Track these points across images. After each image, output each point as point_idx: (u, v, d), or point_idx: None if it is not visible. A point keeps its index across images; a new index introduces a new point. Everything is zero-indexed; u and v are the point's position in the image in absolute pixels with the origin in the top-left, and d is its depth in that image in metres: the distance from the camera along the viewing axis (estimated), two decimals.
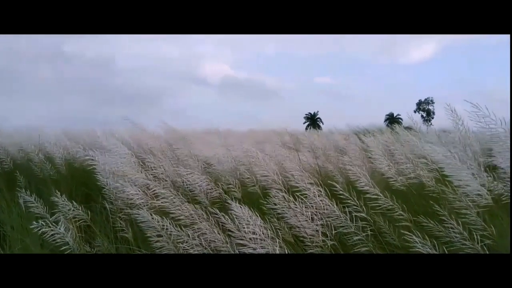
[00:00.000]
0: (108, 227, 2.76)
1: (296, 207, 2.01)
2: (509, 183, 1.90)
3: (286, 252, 1.85)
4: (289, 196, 2.07)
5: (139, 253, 2.32)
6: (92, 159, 3.30)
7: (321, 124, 51.92)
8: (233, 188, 2.84)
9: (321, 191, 2.10)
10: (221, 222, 1.98)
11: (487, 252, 1.69)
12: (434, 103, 62.83)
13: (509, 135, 1.94)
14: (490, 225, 1.85)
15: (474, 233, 1.77)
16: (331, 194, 2.09)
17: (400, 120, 55.02)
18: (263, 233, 1.86)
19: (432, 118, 62.10)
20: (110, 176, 3.11)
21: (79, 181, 4.29)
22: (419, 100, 64.04)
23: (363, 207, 2.05)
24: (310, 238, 1.99)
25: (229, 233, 1.92)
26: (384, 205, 2.08)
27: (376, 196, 2.13)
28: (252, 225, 1.83)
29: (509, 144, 2.00)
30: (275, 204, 2.07)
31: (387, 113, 62.83)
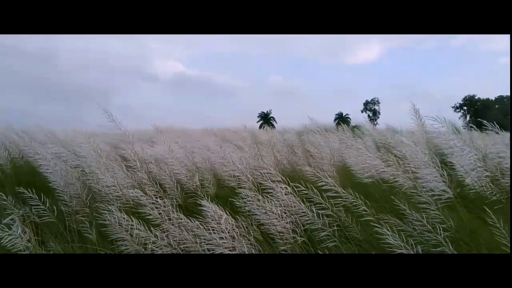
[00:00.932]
0: (62, 228, 2.60)
1: (265, 205, 2.02)
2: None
3: (254, 251, 1.86)
4: (259, 194, 2.08)
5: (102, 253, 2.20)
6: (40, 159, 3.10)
7: (274, 123, 52.59)
8: (207, 183, 2.78)
9: (287, 189, 2.12)
10: (189, 227, 1.93)
11: (449, 243, 1.78)
12: (379, 103, 65.89)
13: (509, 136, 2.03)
14: (448, 219, 1.97)
15: (436, 225, 1.86)
16: (299, 191, 2.11)
17: (349, 120, 57.18)
18: (229, 230, 1.86)
19: (378, 117, 65.02)
20: (63, 176, 2.93)
21: (26, 181, 4.00)
22: (366, 100, 66.85)
23: (327, 203, 2.10)
24: (280, 235, 2.01)
25: (198, 233, 1.88)
26: (348, 201, 2.14)
27: (336, 194, 2.18)
28: (224, 222, 1.82)
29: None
30: (245, 203, 2.06)
31: (337, 112, 64.95)
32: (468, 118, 51.45)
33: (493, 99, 51.04)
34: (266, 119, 61.79)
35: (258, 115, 65.02)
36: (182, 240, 1.94)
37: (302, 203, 2.04)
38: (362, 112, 65.99)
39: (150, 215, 2.01)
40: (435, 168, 2.06)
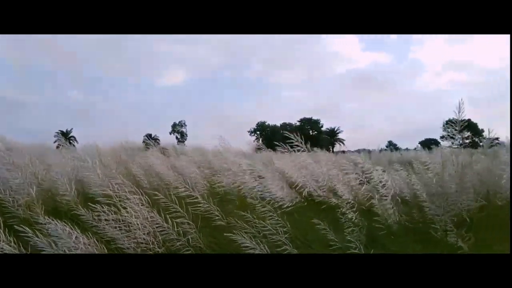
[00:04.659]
0: None
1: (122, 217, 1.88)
2: None
3: None
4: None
5: None
6: None
7: (75, 143, 47.41)
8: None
9: (142, 200, 2.04)
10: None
11: (287, 241, 2.06)
12: (186, 125, 68.42)
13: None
14: (286, 222, 2.30)
15: (278, 229, 2.15)
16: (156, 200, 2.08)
17: (158, 141, 57.17)
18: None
19: (185, 139, 67.38)
20: None
21: None
22: (173, 123, 68.33)
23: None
24: (134, 249, 1.89)
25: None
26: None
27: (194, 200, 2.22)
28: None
29: None
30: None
31: (145, 134, 64.03)
32: (261, 141, 59.31)
33: (279, 125, 60.63)
34: (66, 138, 55.22)
35: (54, 134, 57.58)
36: None
37: (158, 214, 1.99)
38: (170, 134, 67.14)
39: None
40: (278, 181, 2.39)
